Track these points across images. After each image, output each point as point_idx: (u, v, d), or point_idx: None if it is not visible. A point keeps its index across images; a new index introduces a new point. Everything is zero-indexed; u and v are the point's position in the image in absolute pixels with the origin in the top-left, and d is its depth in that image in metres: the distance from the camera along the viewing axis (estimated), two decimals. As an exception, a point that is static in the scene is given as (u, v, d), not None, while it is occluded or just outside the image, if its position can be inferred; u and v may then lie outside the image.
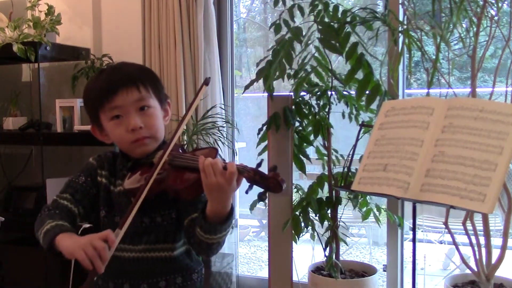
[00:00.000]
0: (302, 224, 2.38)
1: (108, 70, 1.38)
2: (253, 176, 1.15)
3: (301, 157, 2.47)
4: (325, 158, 2.45)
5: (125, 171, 1.37)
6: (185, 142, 2.72)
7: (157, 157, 1.28)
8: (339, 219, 2.43)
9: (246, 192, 1.17)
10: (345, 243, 2.57)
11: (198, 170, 1.18)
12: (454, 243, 2.10)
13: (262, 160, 1.18)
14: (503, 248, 1.96)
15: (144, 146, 1.33)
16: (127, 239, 1.32)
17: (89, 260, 1.11)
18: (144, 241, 1.34)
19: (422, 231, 3.74)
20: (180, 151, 1.34)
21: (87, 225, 1.86)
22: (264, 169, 1.18)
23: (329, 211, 2.41)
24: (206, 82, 1.31)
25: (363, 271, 2.50)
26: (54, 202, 1.36)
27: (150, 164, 1.29)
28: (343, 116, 2.43)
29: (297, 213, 2.39)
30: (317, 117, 2.40)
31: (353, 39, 2.19)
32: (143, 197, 1.21)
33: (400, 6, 2.35)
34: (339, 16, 2.25)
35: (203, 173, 1.16)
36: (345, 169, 2.10)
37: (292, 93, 2.36)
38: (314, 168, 3.24)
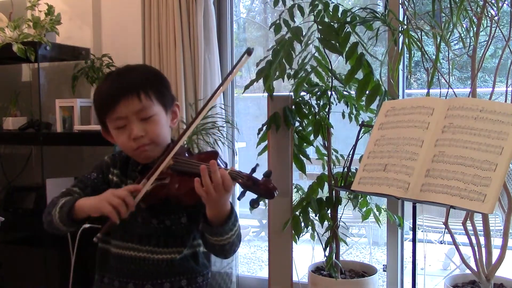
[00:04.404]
0: (302, 224, 2.38)
1: (113, 76, 1.37)
2: (247, 182, 1.13)
3: (301, 157, 2.47)
4: (325, 158, 2.45)
5: (136, 173, 1.38)
6: (184, 143, 2.72)
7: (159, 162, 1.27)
8: (339, 219, 2.43)
9: (238, 199, 1.14)
10: (345, 243, 2.57)
11: (197, 175, 1.16)
12: (454, 243, 2.10)
13: (257, 164, 1.15)
14: (503, 248, 1.96)
15: (145, 153, 1.33)
16: (136, 239, 1.34)
17: (115, 210, 1.17)
18: (153, 243, 1.35)
19: (422, 231, 3.73)
20: (187, 155, 1.32)
21: (87, 225, 1.86)
22: (262, 171, 1.16)
23: (329, 211, 2.41)
24: (249, 52, 1.20)
25: (363, 271, 2.50)
26: (64, 191, 1.38)
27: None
28: (343, 116, 2.43)
29: (297, 213, 2.39)
30: (317, 117, 2.40)
31: (353, 39, 2.19)
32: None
33: (400, 6, 2.35)
34: (339, 16, 2.25)
35: (198, 185, 1.16)
36: (345, 169, 2.10)
37: (292, 93, 2.36)
38: (314, 168, 3.24)
